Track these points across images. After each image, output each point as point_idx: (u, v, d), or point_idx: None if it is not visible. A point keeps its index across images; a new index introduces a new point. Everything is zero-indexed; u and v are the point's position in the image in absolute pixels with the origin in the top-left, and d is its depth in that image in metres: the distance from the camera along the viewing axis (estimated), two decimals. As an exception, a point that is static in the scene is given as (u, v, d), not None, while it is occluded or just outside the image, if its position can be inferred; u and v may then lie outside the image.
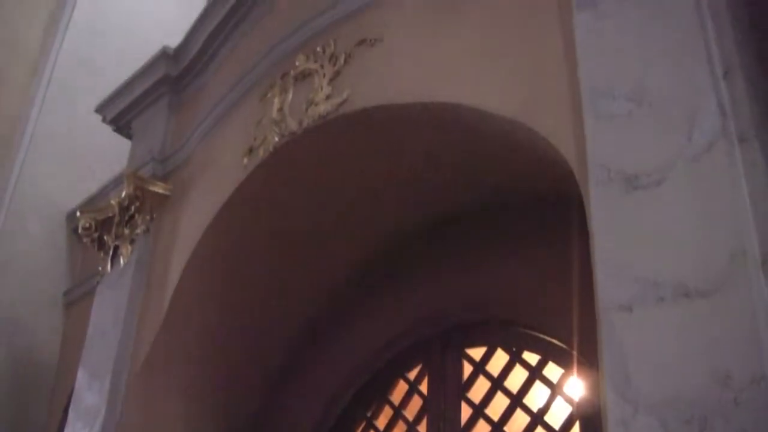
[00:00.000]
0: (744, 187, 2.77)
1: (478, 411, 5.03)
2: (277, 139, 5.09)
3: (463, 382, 5.20)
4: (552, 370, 4.84)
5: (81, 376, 5.98)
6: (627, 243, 2.97)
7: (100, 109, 7.19)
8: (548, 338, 4.87)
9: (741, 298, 2.59)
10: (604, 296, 2.94)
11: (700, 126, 2.96)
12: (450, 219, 5.50)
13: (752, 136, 2.88)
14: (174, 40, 6.60)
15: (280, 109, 5.14)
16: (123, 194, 6.21)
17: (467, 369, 5.24)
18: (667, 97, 3.13)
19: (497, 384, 5.04)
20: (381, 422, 5.65)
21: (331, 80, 4.87)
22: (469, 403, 5.11)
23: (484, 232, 5.32)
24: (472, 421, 5.03)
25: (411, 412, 5.43)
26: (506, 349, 5.11)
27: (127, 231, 6.22)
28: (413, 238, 5.70)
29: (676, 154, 2.97)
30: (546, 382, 4.82)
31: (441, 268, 5.57)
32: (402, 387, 5.62)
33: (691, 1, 3.23)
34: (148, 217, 6.15)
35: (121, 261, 6.17)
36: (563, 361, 4.75)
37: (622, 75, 3.31)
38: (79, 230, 6.59)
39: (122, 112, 7.00)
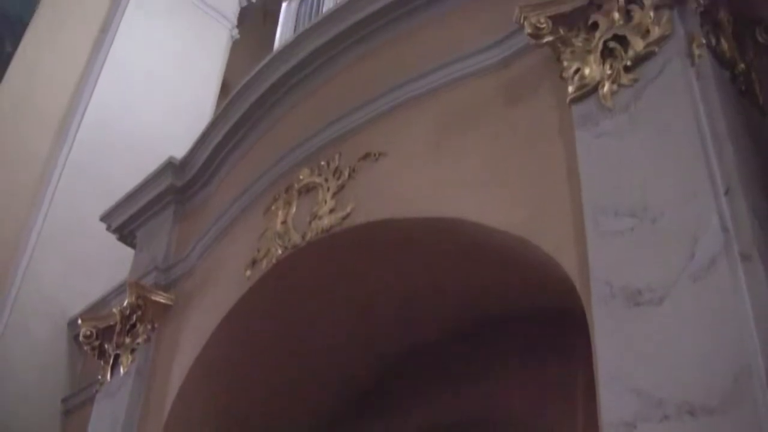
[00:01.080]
0: (748, 305, 2.78)
1: None
2: (280, 251, 5.11)
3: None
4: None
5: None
6: (630, 359, 2.96)
7: (106, 218, 7.25)
8: (551, 456, 4.80)
9: (746, 416, 2.57)
10: (608, 413, 2.92)
11: (703, 243, 2.98)
12: (450, 336, 5.47)
13: (755, 254, 2.90)
14: (180, 151, 6.70)
15: (284, 222, 5.18)
16: (125, 303, 6.21)
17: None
18: (669, 213, 3.16)
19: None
20: None
21: (335, 194, 4.91)
22: None
23: (485, 349, 5.30)
24: None
25: None
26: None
27: (128, 340, 6.19)
28: (411, 356, 5.67)
29: (679, 271, 2.98)
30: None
31: (440, 386, 5.53)
32: None
33: (692, 120, 3.30)
34: (149, 327, 6.13)
35: (121, 370, 6.12)
36: (566, 481, 4.67)
37: (624, 192, 3.35)
38: (80, 338, 6.56)
39: (127, 221, 7.05)
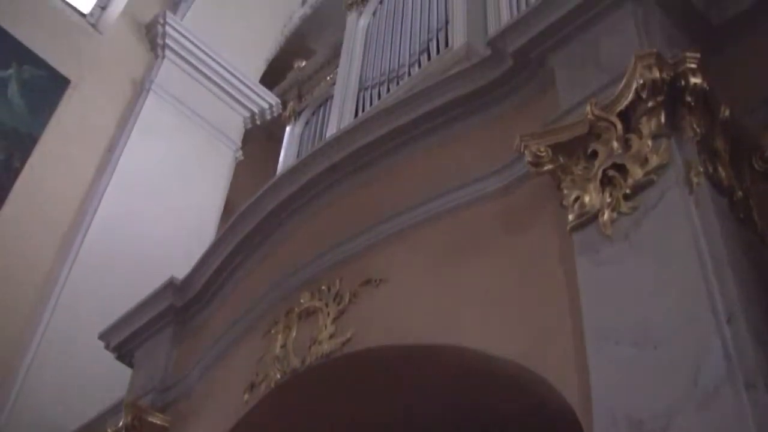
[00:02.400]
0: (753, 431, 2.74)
1: None
2: (279, 376, 5.06)
3: None
4: None
5: None
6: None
7: (104, 336, 7.20)
8: None
9: None
10: None
11: (705, 371, 2.96)
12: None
13: (759, 383, 2.88)
14: (182, 270, 6.71)
15: (283, 346, 5.15)
16: (120, 423, 6.11)
17: None
18: (671, 341, 3.14)
19: None
20: None
21: (335, 319, 4.89)
22: None
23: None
24: None
25: None
26: None
27: (123, 462, 6.08)
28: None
29: (682, 399, 2.95)
30: None
31: None
32: None
33: (692, 248, 3.31)
34: (144, 448, 6.03)
35: (117, 493, 6.00)
36: None
37: (626, 318, 3.34)
38: (75, 459, 6.46)
39: (126, 340, 7.01)
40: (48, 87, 10.15)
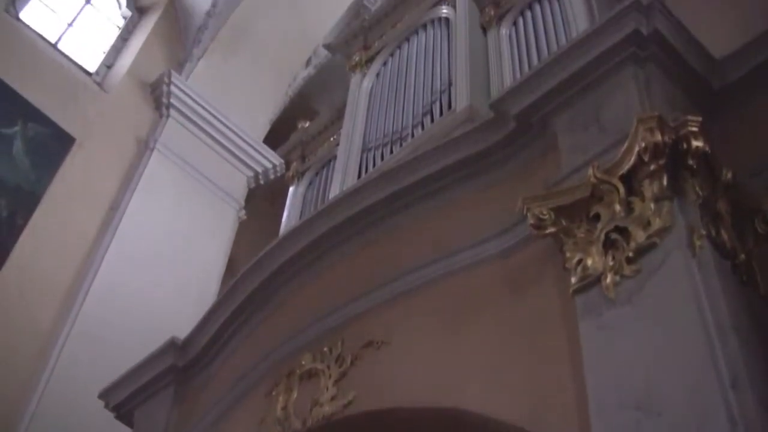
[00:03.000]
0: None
1: None
2: (279, 437, 5.02)
3: None
4: None
5: None
6: None
7: (104, 395, 7.13)
8: None
9: None
10: None
11: (712, 436, 2.93)
12: None
13: (766, 449, 2.85)
14: (184, 329, 6.68)
15: (285, 408, 5.10)
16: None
17: None
18: (675, 406, 3.12)
19: None
20: None
21: (336, 381, 4.86)
22: None
23: None
24: None
25: None
26: None
27: None
28: None
29: (689, 466, 2.92)
30: None
31: None
32: None
33: (695, 312, 3.30)
34: None
35: None
36: None
37: (629, 384, 3.32)
38: None
39: (126, 400, 6.93)
40: (53, 145, 10.21)
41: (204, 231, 11.26)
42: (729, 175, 3.82)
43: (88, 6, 11.85)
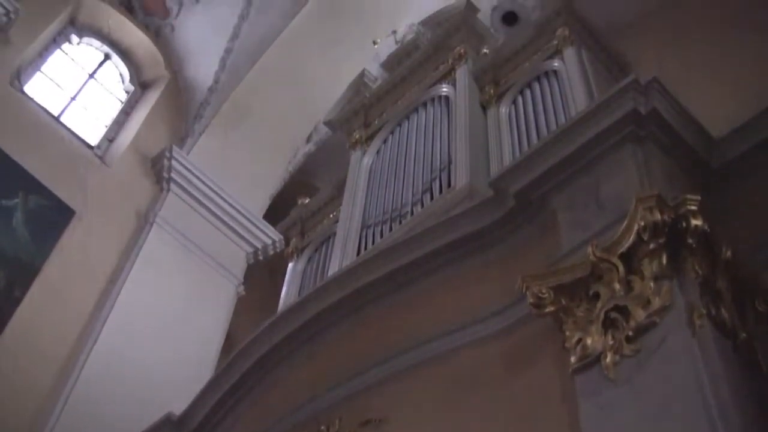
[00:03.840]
0: None
1: None
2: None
3: None
4: None
5: None
6: None
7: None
8: None
9: None
10: None
11: None
12: None
13: None
14: (180, 401, 6.62)
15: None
16: None
17: None
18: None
19: None
20: None
21: (335, 460, 4.81)
22: None
23: None
24: None
25: None
26: None
27: None
28: None
29: None
30: None
31: None
32: None
33: (696, 392, 3.29)
34: None
35: None
36: None
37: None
38: None
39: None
40: (53, 217, 10.22)
41: (202, 305, 11.20)
42: (729, 254, 3.82)
43: (92, 80, 11.98)
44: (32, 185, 10.17)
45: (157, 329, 10.42)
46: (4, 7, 10.07)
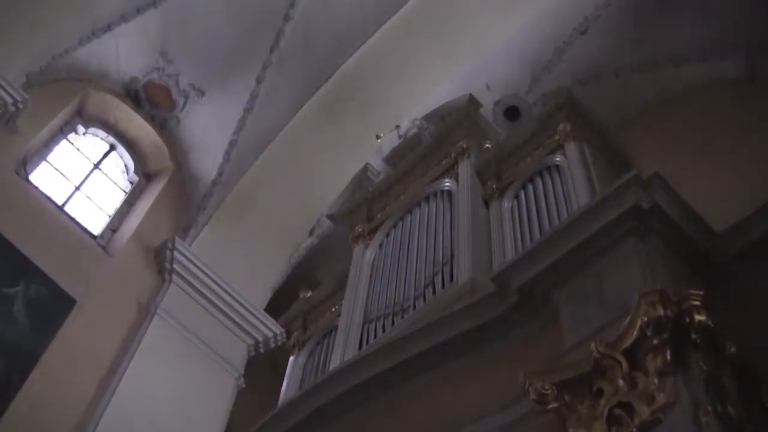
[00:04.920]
0: None
1: None
2: None
3: None
4: None
5: None
6: None
7: None
8: None
9: None
10: None
11: None
12: None
13: None
14: None
15: None
16: None
17: None
18: None
19: None
20: None
21: None
22: None
23: None
24: None
25: None
26: None
27: None
28: None
29: None
30: None
31: None
32: None
33: None
34: None
35: None
36: None
37: None
38: None
39: None
40: (53, 306, 10.16)
41: (202, 398, 11.06)
42: (733, 349, 3.79)
43: (97, 170, 12.07)
44: (34, 273, 10.15)
45: (157, 420, 10.28)
46: (12, 97, 10.19)
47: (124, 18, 11.19)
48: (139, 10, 11.20)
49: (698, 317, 3.69)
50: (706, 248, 4.61)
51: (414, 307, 7.08)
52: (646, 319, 3.71)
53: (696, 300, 3.73)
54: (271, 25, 11.69)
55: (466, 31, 11.13)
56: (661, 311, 3.68)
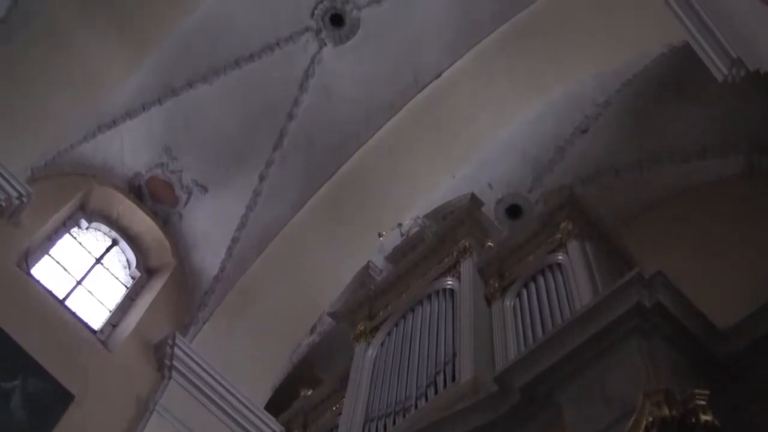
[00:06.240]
0: None
1: None
2: None
3: None
4: None
5: None
6: None
7: None
8: None
9: None
10: None
11: None
12: None
13: None
14: None
15: None
16: None
17: None
18: None
19: None
20: None
21: None
22: None
23: None
24: None
25: None
26: None
27: None
28: None
29: None
30: None
31: None
32: None
33: None
34: None
35: None
36: None
37: None
38: None
39: None
40: (51, 401, 10.03)
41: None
42: (741, 449, 3.73)
43: (98, 265, 12.06)
44: (32, 368, 10.06)
45: None
46: (17, 191, 10.26)
47: (129, 114, 11.34)
48: (144, 107, 11.36)
49: (704, 417, 3.65)
50: (711, 346, 4.58)
51: (416, 407, 7.00)
52: (651, 419, 3.67)
53: (701, 399, 3.68)
54: (274, 123, 11.86)
55: (468, 129, 11.30)
56: (666, 411, 3.64)
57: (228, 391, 11.88)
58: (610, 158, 10.71)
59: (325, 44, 11.42)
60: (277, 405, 12.06)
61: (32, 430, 9.71)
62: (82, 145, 11.35)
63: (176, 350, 11.59)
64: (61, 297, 11.23)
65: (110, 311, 11.88)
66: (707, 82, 7.84)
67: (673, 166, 10.38)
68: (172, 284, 12.40)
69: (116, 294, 12.17)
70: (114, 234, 12.55)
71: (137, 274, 12.56)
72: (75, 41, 10.38)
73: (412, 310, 8.73)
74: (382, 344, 8.73)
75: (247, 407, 11.93)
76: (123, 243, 12.62)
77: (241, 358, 12.30)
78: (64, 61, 10.36)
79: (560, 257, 7.64)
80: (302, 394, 9.91)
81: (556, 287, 7.25)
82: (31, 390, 9.93)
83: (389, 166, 11.90)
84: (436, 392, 6.96)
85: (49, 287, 11.09)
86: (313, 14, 11.22)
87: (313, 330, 13.10)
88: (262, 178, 12.14)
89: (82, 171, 11.66)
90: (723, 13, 6.59)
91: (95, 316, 11.63)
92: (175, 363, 11.52)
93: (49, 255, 11.41)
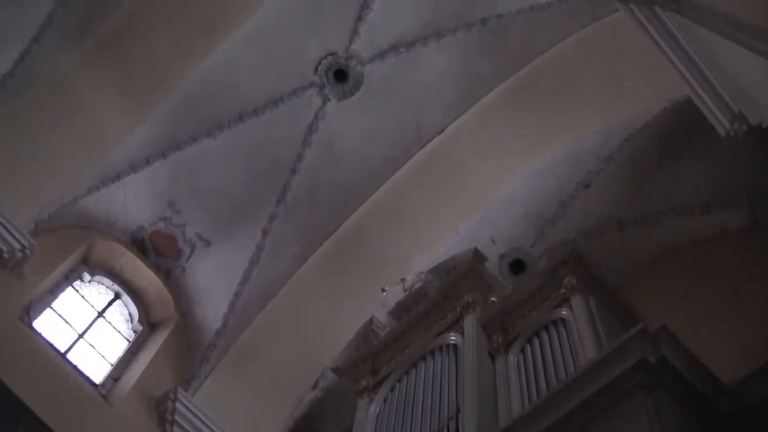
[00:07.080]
0: None
1: None
2: None
3: None
4: None
5: None
6: None
7: None
8: None
9: None
10: None
11: None
12: None
13: None
14: None
15: None
16: None
17: None
18: None
19: None
20: None
21: None
22: None
23: None
24: None
25: None
26: None
27: None
28: None
29: None
30: None
31: None
32: None
33: None
34: None
35: None
36: None
37: None
38: None
39: None
40: (50, 456, 9.96)
41: None
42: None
43: (101, 319, 12.02)
44: (32, 421, 9.97)
45: None
46: (21, 243, 10.26)
47: (133, 168, 11.37)
48: (148, 161, 11.40)
49: (710, 476, 3.61)
50: (715, 402, 4.55)
51: (419, 463, 6.95)
52: (656, 479, 3.62)
53: (706, 456, 3.65)
54: (278, 177, 11.90)
55: (471, 185, 11.34)
56: (672, 471, 3.60)
57: (229, 446, 11.79)
58: (613, 213, 10.73)
59: (329, 99, 11.51)
60: (279, 460, 11.97)
61: (29, 487, 9.62)
62: (85, 198, 11.36)
63: (178, 405, 11.50)
64: (62, 350, 11.17)
65: (112, 365, 11.81)
66: (709, 136, 7.90)
67: (676, 220, 10.40)
68: (174, 338, 12.35)
69: (118, 348, 12.11)
70: (116, 287, 12.52)
71: (139, 327, 12.52)
72: (80, 95, 10.45)
73: (416, 365, 8.69)
74: (385, 400, 8.68)
75: (249, 467, 11.82)
76: (125, 296, 12.59)
77: (243, 413, 12.22)
78: (69, 114, 10.43)
79: (564, 312, 7.61)
80: (304, 453, 9.84)
81: (560, 343, 7.22)
82: (31, 445, 9.85)
83: (392, 221, 11.93)
84: (439, 448, 6.91)
85: (51, 340, 11.04)
86: (317, 70, 11.31)
87: (315, 385, 13.02)
88: (265, 233, 12.16)
89: (85, 224, 11.67)
90: (724, 68, 6.65)
91: (97, 370, 11.56)
92: (176, 417, 11.44)
93: (51, 308, 11.37)
